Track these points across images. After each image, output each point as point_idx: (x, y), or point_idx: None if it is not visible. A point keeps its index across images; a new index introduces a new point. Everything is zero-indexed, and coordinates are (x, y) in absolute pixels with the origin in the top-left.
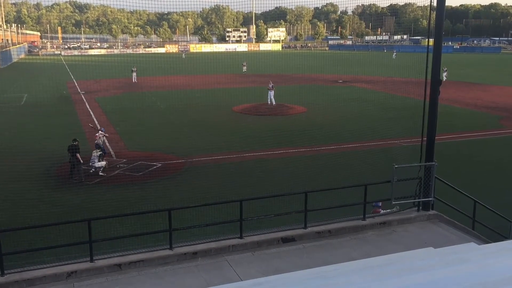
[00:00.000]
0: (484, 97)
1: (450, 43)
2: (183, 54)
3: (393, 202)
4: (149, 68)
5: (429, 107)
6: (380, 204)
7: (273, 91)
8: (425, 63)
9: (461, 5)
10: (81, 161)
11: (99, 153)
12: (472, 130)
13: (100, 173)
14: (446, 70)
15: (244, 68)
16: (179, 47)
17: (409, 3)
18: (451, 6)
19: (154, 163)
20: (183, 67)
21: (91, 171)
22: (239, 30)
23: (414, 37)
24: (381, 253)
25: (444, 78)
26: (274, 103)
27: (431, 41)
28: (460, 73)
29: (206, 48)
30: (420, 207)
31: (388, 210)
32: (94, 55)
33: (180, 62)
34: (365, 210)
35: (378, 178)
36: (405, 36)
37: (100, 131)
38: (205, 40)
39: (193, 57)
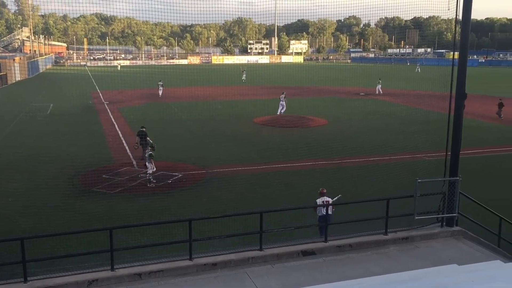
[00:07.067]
0: (510, 111)
1: (475, 56)
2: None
3: (416, 218)
4: (172, 79)
5: (453, 121)
6: None
7: (283, 102)
8: (450, 77)
9: (486, 18)
10: (152, 142)
11: (150, 152)
12: (497, 144)
13: (149, 178)
14: None
15: (244, 76)
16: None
17: (434, 16)
18: (476, 19)
19: (175, 173)
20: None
21: (148, 176)
22: (261, 42)
23: (438, 50)
24: (404, 269)
25: None
26: (281, 112)
27: (456, 54)
28: (486, 87)
29: (228, 60)
30: (444, 223)
31: None
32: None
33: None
34: (387, 225)
35: (401, 192)
36: (429, 49)
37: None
38: (227, 52)
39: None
